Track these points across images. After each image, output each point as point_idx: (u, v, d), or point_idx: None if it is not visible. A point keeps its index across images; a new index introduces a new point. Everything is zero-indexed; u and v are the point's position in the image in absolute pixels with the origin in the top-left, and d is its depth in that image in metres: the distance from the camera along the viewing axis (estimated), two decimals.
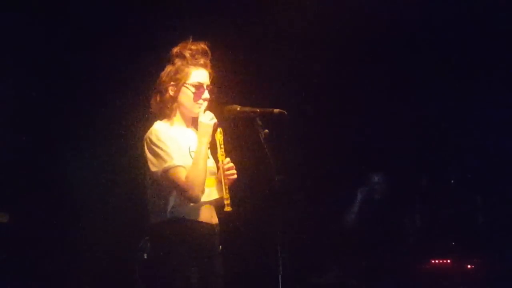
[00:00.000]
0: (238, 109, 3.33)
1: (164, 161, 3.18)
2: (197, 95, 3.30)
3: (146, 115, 3.44)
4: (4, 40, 4.58)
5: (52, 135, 4.81)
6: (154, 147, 3.21)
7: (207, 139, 3.24)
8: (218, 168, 3.33)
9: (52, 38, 4.72)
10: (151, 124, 3.32)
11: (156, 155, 3.20)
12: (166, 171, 3.17)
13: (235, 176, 3.31)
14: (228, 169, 3.28)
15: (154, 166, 3.20)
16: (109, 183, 4.80)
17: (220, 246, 3.34)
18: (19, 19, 4.63)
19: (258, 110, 3.29)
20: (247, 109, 3.32)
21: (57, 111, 4.80)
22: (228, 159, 3.31)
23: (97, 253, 4.80)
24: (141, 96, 3.62)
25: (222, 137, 3.31)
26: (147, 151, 3.24)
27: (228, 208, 3.23)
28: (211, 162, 3.34)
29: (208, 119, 3.26)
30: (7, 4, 4.60)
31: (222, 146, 3.30)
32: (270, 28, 5.19)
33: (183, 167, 3.18)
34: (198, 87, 3.30)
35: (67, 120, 4.81)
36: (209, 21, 4.81)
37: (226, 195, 3.25)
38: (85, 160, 4.81)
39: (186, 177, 3.15)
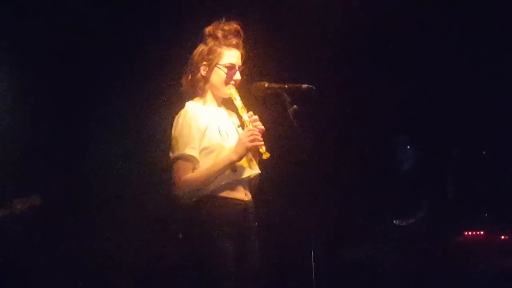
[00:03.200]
0: (266, 85, 3.33)
1: (177, 148, 3.21)
2: (228, 76, 3.31)
3: (177, 96, 3.44)
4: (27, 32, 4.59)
5: (80, 118, 4.81)
6: (177, 129, 3.25)
7: (236, 158, 3.21)
8: (242, 124, 3.33)
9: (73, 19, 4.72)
10: (182, 106, 3.34)
11: (175, 138, 3.24)
12: (174, 161, 3.22)
13: (262, 126, 3.29)
14: (254, 120, 3.28)
15: (171, 150, 3.25)
16: (138, 166, 4.79)
17: (256, 223, 3.35)
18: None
19: (286, 86, 3.29)
20: (275, 85, 3.31)
21: (86, 93, 4.79)
22: (251, 112, 3.30)
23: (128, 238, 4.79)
24: (173, 76, 3.61)
25: (237, 93, 3.31)
26: (173, 131, 3.27)
27: (266, 155, 3.22)
28: None
29: (246, 137, 3.21)
30: (11, 4, 4.60)
31: (240, 100, 3.30)
32: (297, 3, 5.13)
33: (191, 160, 3.19)
34: (230, 68, 3.31)
35: (96, 103, 4.81)
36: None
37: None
38: (113, 143, 4.79)
39: (185, 178, 3.18)
